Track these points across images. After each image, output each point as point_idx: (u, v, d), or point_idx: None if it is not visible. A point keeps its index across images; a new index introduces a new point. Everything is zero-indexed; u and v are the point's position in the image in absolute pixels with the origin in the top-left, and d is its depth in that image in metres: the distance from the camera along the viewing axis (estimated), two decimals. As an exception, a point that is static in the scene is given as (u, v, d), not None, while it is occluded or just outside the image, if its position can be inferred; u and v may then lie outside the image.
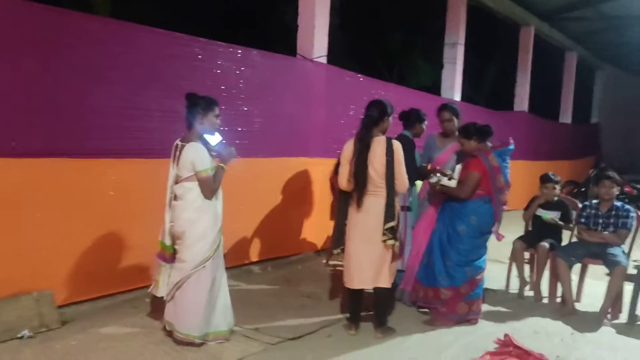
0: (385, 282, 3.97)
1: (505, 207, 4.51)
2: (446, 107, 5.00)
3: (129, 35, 4.42)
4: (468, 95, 11.69)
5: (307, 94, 6.11)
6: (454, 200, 4.35)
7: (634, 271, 4.98)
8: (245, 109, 5.42)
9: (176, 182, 3.66)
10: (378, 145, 3.87)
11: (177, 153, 3.64)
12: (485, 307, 4.78)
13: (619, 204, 4.96)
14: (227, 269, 3.94)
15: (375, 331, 4.05)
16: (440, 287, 4.29)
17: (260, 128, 5.59)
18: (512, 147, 4.42)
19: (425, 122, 5.07)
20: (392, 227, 3.84)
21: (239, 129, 5.34)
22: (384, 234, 3.85)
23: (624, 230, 4.85)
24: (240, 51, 5.34)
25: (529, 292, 5.26)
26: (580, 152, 15.00)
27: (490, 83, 15.75)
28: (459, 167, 4.37)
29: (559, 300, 4.99)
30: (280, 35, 9.55)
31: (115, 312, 4.25)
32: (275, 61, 5.75)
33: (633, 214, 4.90)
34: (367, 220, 3.89)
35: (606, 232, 4.89)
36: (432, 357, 3.72)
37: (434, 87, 10.18)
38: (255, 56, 5.50)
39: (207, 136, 3.66)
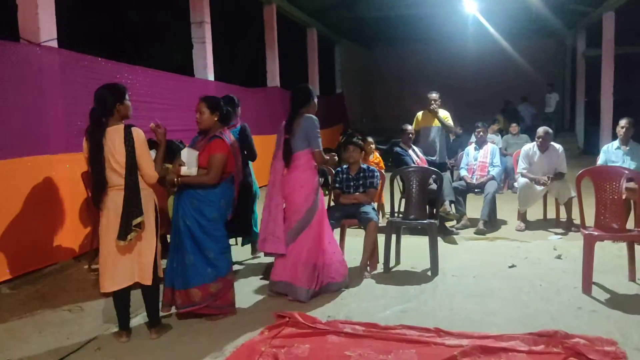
0: (148, 279, 3.70)
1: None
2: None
3: None
4: (223, 74, 11.68)
5: (38, 83, 5.35)
6: (193, 188, 3.94)
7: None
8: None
9: None
10: (116, 134, 3.54)
11: None
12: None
13: (365, 166, 5.45)
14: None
15: (149, 332, 3.80)
16: (208, 283, 3.96)
17: (-20, 127, 4.75)
18: (238, 128, 4.28)
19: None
20: (139, 224, 3.56)
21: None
22: (128, 232, 3.51)
23: (372, 189, 5.35)
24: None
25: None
26: (330, 121, 16.26)
27: (244, 61, 16.05)
28: (186, 152, 3.94)
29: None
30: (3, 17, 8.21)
31: None
32: (-10, 47, 4.90)
33: (377, 174, 5.43)
34: (115, 217, 3.56)
35: (357, 193, 5.33)
36: (211, 346, 3.62)
37: (189, 67, 9.90)
38: (-39, 42, 4.60)
39: None
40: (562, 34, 17.91)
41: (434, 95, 7.26)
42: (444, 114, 7.32)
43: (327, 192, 5.53)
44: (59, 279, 5.24)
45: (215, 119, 4.04)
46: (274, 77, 12.39)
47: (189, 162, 3.90)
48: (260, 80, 12.74)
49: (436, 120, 7.25)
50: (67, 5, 5.79)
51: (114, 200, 3.57)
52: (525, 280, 4.77)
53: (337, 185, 5.44)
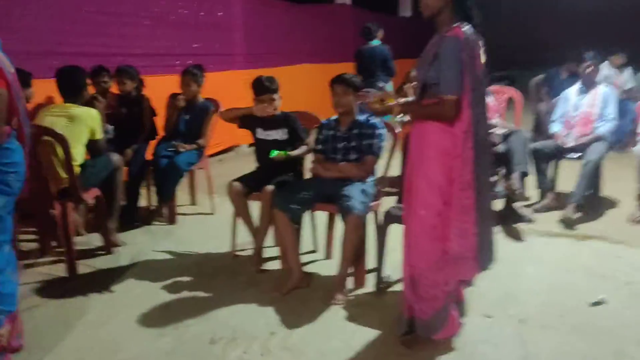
0: None
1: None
2: None
3: None
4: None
5: None
6: None
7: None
8: None
9: None
10: None
11: None
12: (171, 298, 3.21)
13: (362, 118, 3.40)
14: None
15: None
16: None
17: None
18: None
19: None
20: None
21: None
22: None
23: (370, 157, 3.32)
24: None
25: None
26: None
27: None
28: None
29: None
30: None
31: None
32: None
33: (382, 131, 3.36)
34: None
35: (344, 163, 3.35)
36: None
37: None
38: None
39: None
40: None
41: None
42: None
43: (306, 153, 3.61)
44: None
45: None
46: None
47: None
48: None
49: None
50: None
51: None
52: (613, 339, 2.63)
53: (319, 146, 3.49)
